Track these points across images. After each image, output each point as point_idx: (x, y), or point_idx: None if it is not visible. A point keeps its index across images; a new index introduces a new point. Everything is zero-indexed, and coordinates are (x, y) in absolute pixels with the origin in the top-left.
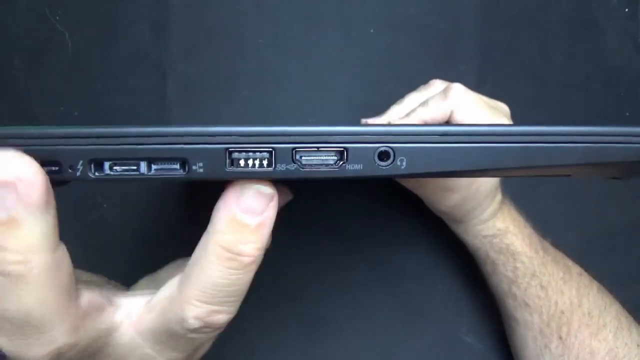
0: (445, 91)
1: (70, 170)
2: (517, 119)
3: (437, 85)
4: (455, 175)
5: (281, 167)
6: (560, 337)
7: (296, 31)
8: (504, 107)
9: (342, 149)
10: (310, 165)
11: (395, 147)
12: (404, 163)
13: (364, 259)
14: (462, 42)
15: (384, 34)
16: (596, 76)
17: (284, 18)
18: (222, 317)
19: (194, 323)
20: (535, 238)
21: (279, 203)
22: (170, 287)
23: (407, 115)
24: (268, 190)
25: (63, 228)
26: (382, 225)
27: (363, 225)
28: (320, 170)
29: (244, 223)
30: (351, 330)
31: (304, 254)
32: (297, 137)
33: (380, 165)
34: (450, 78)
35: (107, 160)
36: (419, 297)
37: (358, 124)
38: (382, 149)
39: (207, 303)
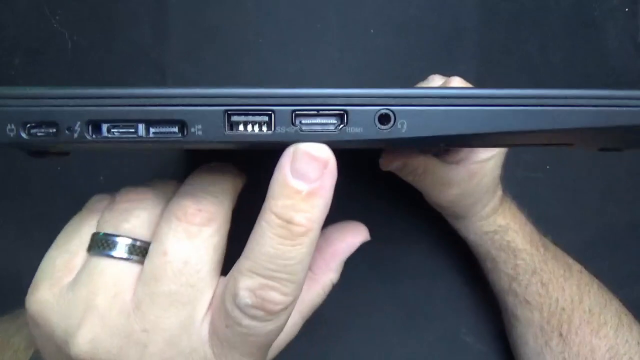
0: (444, 85)
1: (67, 132)
2: None
3: (436, 80)
4: (456, 141)
5: (281, 129)
6: (561, 334)
7: (296, 31)
8: None
9: (342, 111)
10: (310, 128)
11: (396, 109)
12: (405, 126)
13: (363, 258)
14: (462, 42)
15: (384, 34)
16: (596, 76)
17: (284, 18)
18: (275, 295)
19: (244, 295)
20: (535, 235)
21: None
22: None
23: None
24: (320, 152)
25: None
26: (382, 223)
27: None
28: (320, 133)
29: (295, 189)
30: (351, 330)
31: None
32: (296, 100)
33: (380, 129)
34: None
35: (105, 122)
36: (419, 297)
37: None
38: (383, 111)
39: (258, 274)
